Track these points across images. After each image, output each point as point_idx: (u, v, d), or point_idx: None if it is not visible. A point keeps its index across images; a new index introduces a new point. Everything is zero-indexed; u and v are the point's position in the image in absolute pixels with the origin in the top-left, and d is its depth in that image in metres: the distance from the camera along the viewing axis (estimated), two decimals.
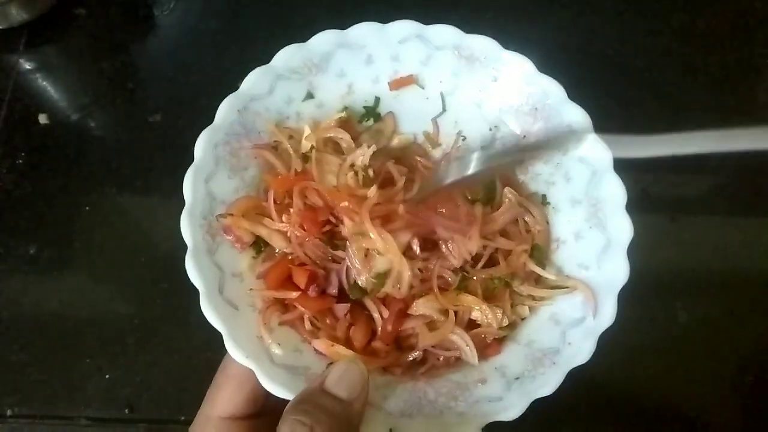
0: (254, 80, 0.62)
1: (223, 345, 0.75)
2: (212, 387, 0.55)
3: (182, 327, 0.76)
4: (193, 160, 0.86)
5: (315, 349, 0.57)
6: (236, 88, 0.87)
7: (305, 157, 0.63)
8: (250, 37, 0.93)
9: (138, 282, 0.79)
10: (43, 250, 0.81)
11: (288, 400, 0.49)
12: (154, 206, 0.83)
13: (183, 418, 0.73)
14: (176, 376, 0.74)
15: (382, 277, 0.57)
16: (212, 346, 0.75)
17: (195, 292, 0.78)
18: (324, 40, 0.63)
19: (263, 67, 0.62)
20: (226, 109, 0.60)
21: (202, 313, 0.76)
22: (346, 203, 0.58)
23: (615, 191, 0.58)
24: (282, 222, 0.59)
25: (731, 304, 0.77)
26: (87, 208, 0.83)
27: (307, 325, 0.57)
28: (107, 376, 0.75)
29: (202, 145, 0.59)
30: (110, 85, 0.90)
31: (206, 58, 0.91)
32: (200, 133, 0.86)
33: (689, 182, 0.82)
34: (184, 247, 0.81)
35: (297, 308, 0.57)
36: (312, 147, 0.63)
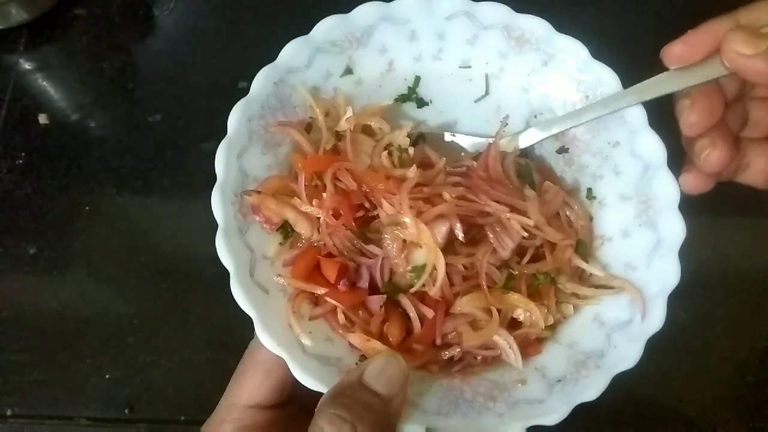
0: (292, 52, 0.59)
1: (222, 345, 0.76)
2: (237, 374, 0.54)
3: (182, 327, 0.76)
4: (188, 160, 0.87)
5: (348, 342, 0.55)
6: (236, 88, 0.88)
7: (338, 135, 0.60)
8: (250, 36, 0.92)
9: (138, 282, 0.79)
10: (43, 250, 0.81)
11: (319, 392, 0.48)
12: (154, 206, 0.83)
13: (183, 418, 0.73)
14: (176, 376, 0.74)
15: (420, 270, 0.54)
16: (212, 346, 0.76)
17: (195, 291, 0.78)
18: (367, 12, 0.60)
19: (302, 38, 0.59)
20: (261, 81, 0.57)
21: (202, 313, 0.77)
22: (383, 185, 0.55)
23: (668, 188, 0.55)
24: (312, 206, 0.56)
25: (731, 304, 0.77)
26: (87, 208, 0.83)
27: (341, 318, 0.55)
28: (107, 376, 0.74)
29: (235, 118, 0.56)
30: (110, 85, 0.90)
31: (206, 58, 0.91)
32: (199, 132, 0.87)
33: None
34: (185, 247, 0.82)
35: (328, 300, 0.55)
36: (349, 130, 0.60)
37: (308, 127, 0.61)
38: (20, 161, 0.85)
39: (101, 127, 0.88)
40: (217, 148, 0.84)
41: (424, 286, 0.55)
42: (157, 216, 0.83)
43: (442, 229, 0.54)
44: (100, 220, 0.82)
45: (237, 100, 0.87)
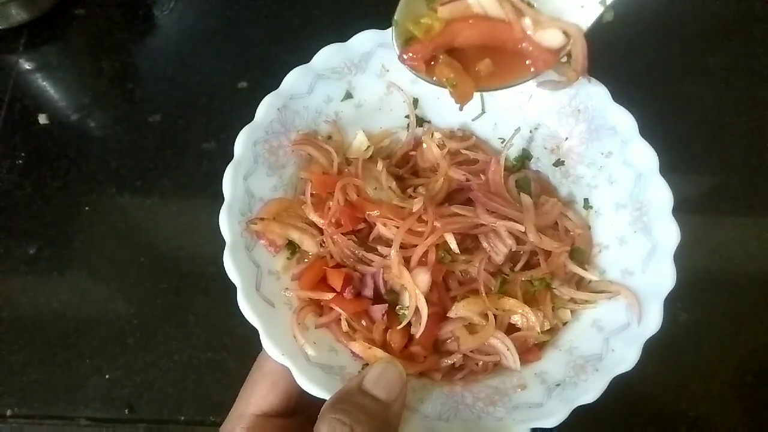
0: (294, 79, 0.61)
1: (222, 345, 0.76)
2: (246, 384, 0.56)
3: (182, 327, 0.76)
4: (188, 160, 0.87)
5: (351, 351, 0.56)
6: (235, 88, 0.89)
7: (347, 160, 0.64)
8: (250, 37, 0.93)
9: (138, 282, 0.79)
10: (43, 250, 0.81)
11: (323, 400, 0.49)
12: (154, 206, 0.83)
13: (183, 418, 0.73)
14: (176, 376, 0.74)
15: (407, 310, 0.57)
16: (212, 346, 0.76)
17: (195, 291, 0.78)
18: (365, 39, 0.62)
19: (303, 66, 0.62)
20: (266, 108, 0.60)
21: (202, 313, 0.77)
22: (379, 212, 0.58)
23: (661, 195, 0.57)
24: (316, 215, 0.60)
25: (731, 304, 0.77)
26: (87, 208, 0.83)
27: (344, 326, 0.57)
28: (107, 376, 0.75)
29: (242, 142, 0.58)
30: (110, 85, 0.90)
31: (206, 58, 0.91)
32: (199, 132, 0.88)
33: (689, 182, 0.82)
34: (185, 247, 0.82)
35: (333, 310, 0.57)
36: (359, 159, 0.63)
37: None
38: (20, 161, 0.85)
39: (101, 127, 0.88)
40: (216, 148, 0.85)
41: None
42: (157, 216, 0.83)
43: (424, 278, 0.56)
44: (100, 220, 0.82)
45: (237, 100, 0.88)
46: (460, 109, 0.57)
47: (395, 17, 0.53)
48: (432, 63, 0.52)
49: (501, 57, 0.52)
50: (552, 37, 0.50)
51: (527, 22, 0.50)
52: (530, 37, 0.50)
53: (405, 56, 0.53)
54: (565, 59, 0.53)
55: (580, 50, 0.50)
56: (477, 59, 0.52)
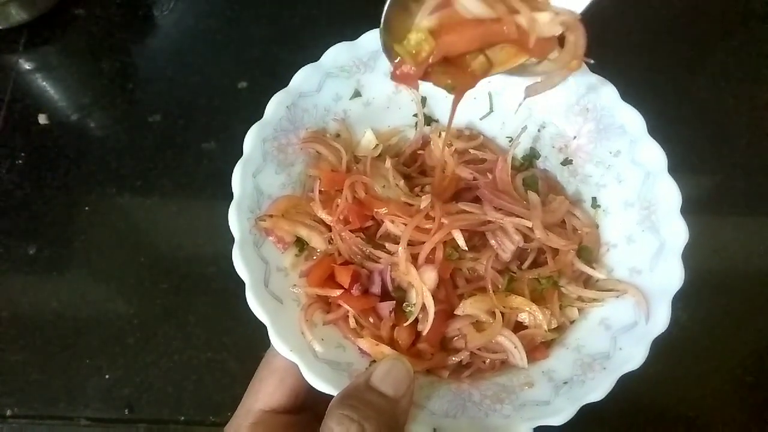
0: (303, 77, 0.62)
1: (222, 345, 0.76)
2: (254, 380, 0.56)
3: (182, 327, 0.76)
4: (188, 160, 0.87)
5: (359, 347, 0.57)
6: (236, 88, 0.89)
7: (355, 158, 0.65)
8: (250, 37, 0.93)
9: (138, 282, 0.79)
10: (43, 250, 0.81)
11: (330, 396, 0.49)
12: (154, 206, 0.83)
13: (183, 418, 0.73)
14: (176, 376, 0.74)
15: (414, 306, 0.57)
16: (212, 346, 0.76)
17: (195, 291, 0.78)
18: (373, 38, 0.62)
19: (312, 64, 0.62)
20: (275, 106, 0.60)
21: (202, 313, 0.77)
22: (386, 210, 0.59)
23: (670, 193, 0.57)
24: (324, 212, 0.60)
25: (731, 304, 0.77)
26: (87, 208, 0.83)
27: (352, 323, 0.57)
28: (107, 376, 0.74)
29: (251, 140, 0.59)
30: (110, 85, 0.90)
31: (206, 58, 0.91)
32: (199, 132, 0.88)
33: (690, 182, 0.82)
34: (185, 246, 0.82)
35: (341, 307, 0.57)
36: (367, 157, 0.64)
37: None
38: (20, 161, 0.85)
39: (101, 127, 0.88)
40: (216, 148, 0.85)
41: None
42: (157, 216, 0.83)
43: (431, 275, 0.56)
44: (100, 220, 0.82)
45: (237, 100, 0.88)
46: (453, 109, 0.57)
47: (380, 27, 0.52)
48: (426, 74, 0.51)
49: (496, 51, 0.52)
50: (551, 29, 0.50)
51: (523, 20, 0.48)
52: (527, 33, 0.49)
53: (395, 76, 0.52)
54: (555, 54, 0.53)
55: (581, 36, 0.50)
56: (471, 57, 0.52)
